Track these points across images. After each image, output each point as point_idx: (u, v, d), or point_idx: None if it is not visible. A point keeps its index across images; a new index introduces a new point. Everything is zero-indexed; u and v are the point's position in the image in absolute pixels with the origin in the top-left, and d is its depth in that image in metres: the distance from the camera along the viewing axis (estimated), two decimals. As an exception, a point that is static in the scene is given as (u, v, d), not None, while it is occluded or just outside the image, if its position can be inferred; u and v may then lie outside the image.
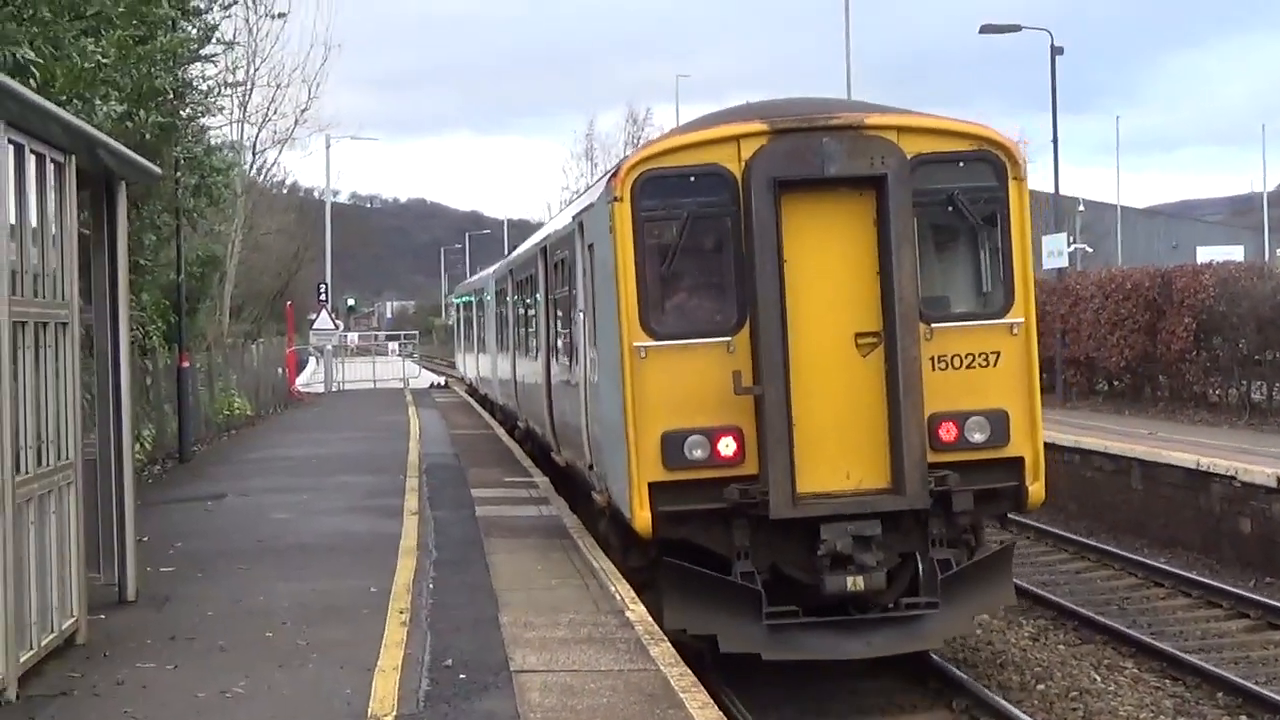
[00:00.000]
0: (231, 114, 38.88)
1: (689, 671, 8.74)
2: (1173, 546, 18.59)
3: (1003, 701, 11.37)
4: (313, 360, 58.33)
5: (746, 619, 11.00)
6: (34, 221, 9.01)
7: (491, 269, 32.73)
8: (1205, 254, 40.20)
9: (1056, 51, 31.12)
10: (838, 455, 11.19)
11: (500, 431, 27.54)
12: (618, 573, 11.77)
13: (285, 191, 61.11)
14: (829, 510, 11.03)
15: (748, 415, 11.13)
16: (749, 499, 11.04)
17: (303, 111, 46.15)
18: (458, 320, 48.88)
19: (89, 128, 9.91)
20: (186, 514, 16.82)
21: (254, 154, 45.37)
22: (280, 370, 43.04)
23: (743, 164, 11.27)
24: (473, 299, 38.34)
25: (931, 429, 11.17)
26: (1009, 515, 12.63)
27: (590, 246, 13.24)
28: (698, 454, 11.14)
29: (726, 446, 11.13)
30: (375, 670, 8.74)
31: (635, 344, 11.30)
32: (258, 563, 13.03)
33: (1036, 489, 11.54)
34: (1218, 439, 21.05)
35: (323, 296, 51.45)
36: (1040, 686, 12.25)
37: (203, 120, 24.92)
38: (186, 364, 24.31)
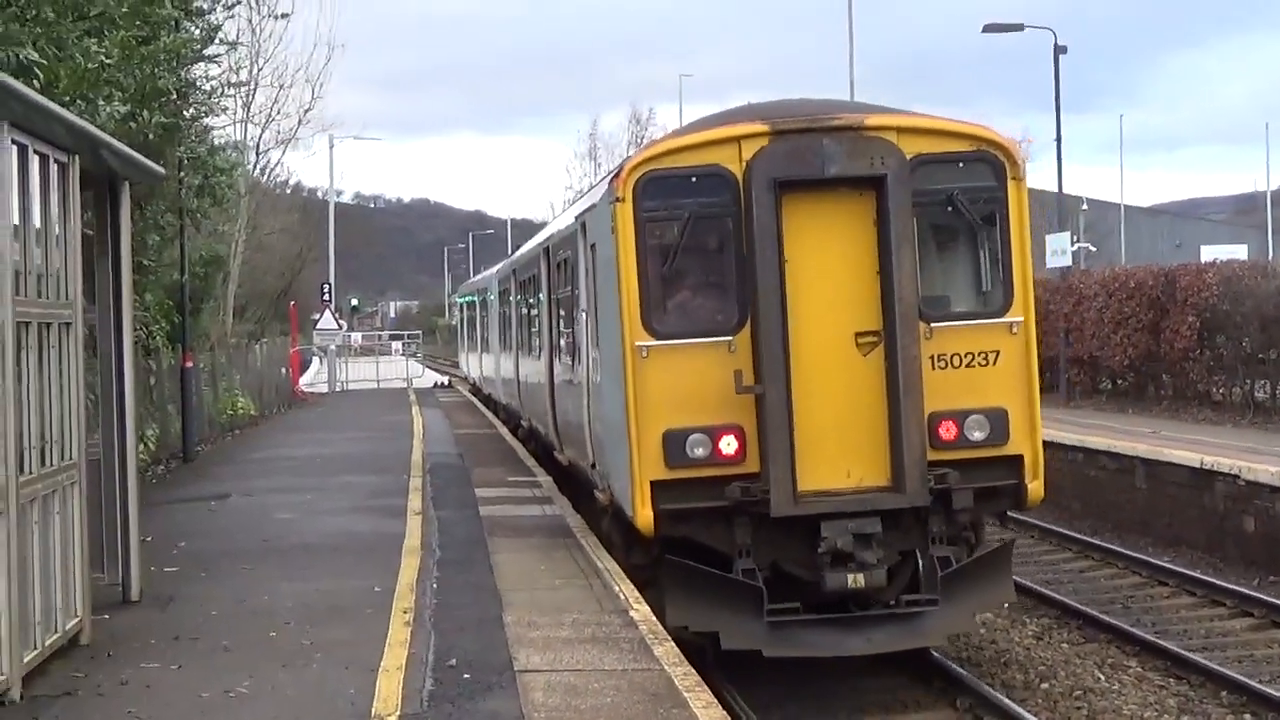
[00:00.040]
0: (235, 114, 38.96)
1: (693, 671, 8.73)
2: (1177, 545, 18.57)
3: (1006, 700, 11.36)
4: (316, 360, 58.32)
5: (748, 616, 11.06)
6: (37, 222, 9.02)
7: (495, 269, 32.74)
8: (1209, 253, 40.16)
9: (1060, 51, 31.12)
10: (838, 453, 11.26)
11: (504, 431, 27.55)
12: (621, 572, 11.77)
13: (289, 191, 61.16)
14: (830, 508, 11.09)
15: (749, 414, 11.19)
16: (750, 497, 11.10)
17: (306, 111, 46.22)
18: (461, 320, 48.89)
19: (92, 128, 9.92)
20: (190, 514, 16.83)
21: (257, 154, 45.45)
22: (284, 370, 43.06)
23: (744, 165, 11.33)
24: (476, 299, 38.35)
25: (931, 427, 11.23)
26: (1009, 513, 12.64)
27: (592, 246, 13.29)
28: (699, 452, 11.21)
29: (728, 445, 11.20)
30: (379, 670, 8.74)
31: (637, 343, 11.37)
32: (261, 563, 13.03)
33: (1036, 487, 11.59)
34: (1221, 438, 21.03)
35: (326, 296, 51.45)
36: (1044, 685, 12.24)
37: (206, 120, 24.97)
38: (190, 364, 24.33)
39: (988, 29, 31.43)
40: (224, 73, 28.67)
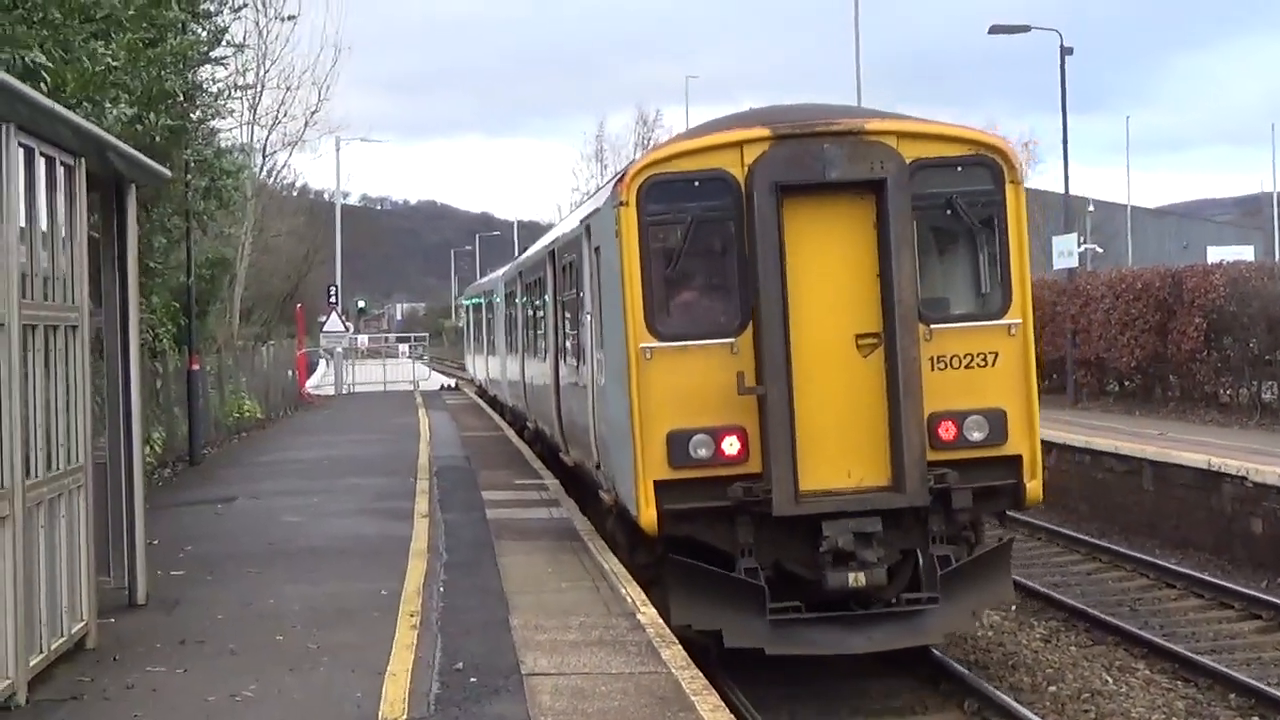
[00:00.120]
0: (241, 116, 39.00)
1: (700, 674, 8.71)
2: (1184, 547, 18.52)
3: (1014, 703, 11.34)
4: (323, 362, 58.34)
5: (750, 614, 11.16)
6: (44, 225, 9.02)
7: (501, 271, 32.75)
8: (1215, 254, 40.08)
9: (1066, 52, 31.04)
10: (839, 454, 11.37)
11: (510, 433, 27.54)
12: (628, 575, 11.78)
13: (295, 194, 61.13)
14: (831, 508, 11.21)
15: (751, 415, 11.31)
16: (752, 497, 11.22)
17: (313, 114, 46.20)
18: (467, 322, 48.91)
19: (99, 131, 9.91)
20: (196, 517, 16.83)
21: (264, 156, 45.43)
22: (290, 373, 43.08)
23: (746, 169, 11.48)
24: (482, 301, 38.36)
25: (931, 428, 11.35)
26: (1007, 512, 12.73)
27: (597, 250, 13.40)
28: (702, 453, 11.33)
29: (730, 445, 11.33)
30: (386, 674, 8.72)
31: (641, 345, 11.51)
32: (268, 566, 13.02)
33: (1034, 486, 11.69)
34: (1229, 439, 20.99)
35: (333, 299, 51.53)
36: (1052, 688, 12.21)
37: (213, 123, 24.98)
38: (196, 367, 24.33)
39: (994, 30, 31.39)
40: (230, 75, 28.71)
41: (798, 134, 11.52)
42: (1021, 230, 11.79)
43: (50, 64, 13.08)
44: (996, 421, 11.49)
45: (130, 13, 15.81)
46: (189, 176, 21.96)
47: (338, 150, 58.70)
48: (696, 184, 11.62)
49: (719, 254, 11.91)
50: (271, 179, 49.54)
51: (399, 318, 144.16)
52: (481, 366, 39.68)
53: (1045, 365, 31.60)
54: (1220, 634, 14.42)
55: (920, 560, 11.60)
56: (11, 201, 8.23)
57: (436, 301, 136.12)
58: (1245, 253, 43.15)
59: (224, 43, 22.91)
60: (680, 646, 9.38)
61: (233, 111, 29.74)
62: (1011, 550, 12.81)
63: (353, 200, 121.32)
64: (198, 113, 22.23)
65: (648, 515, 11.35)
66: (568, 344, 16.63)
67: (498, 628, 9.95)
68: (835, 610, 11.38)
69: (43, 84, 12.68)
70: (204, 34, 21.20)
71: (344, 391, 48.45)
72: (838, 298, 11.45)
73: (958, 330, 11.63)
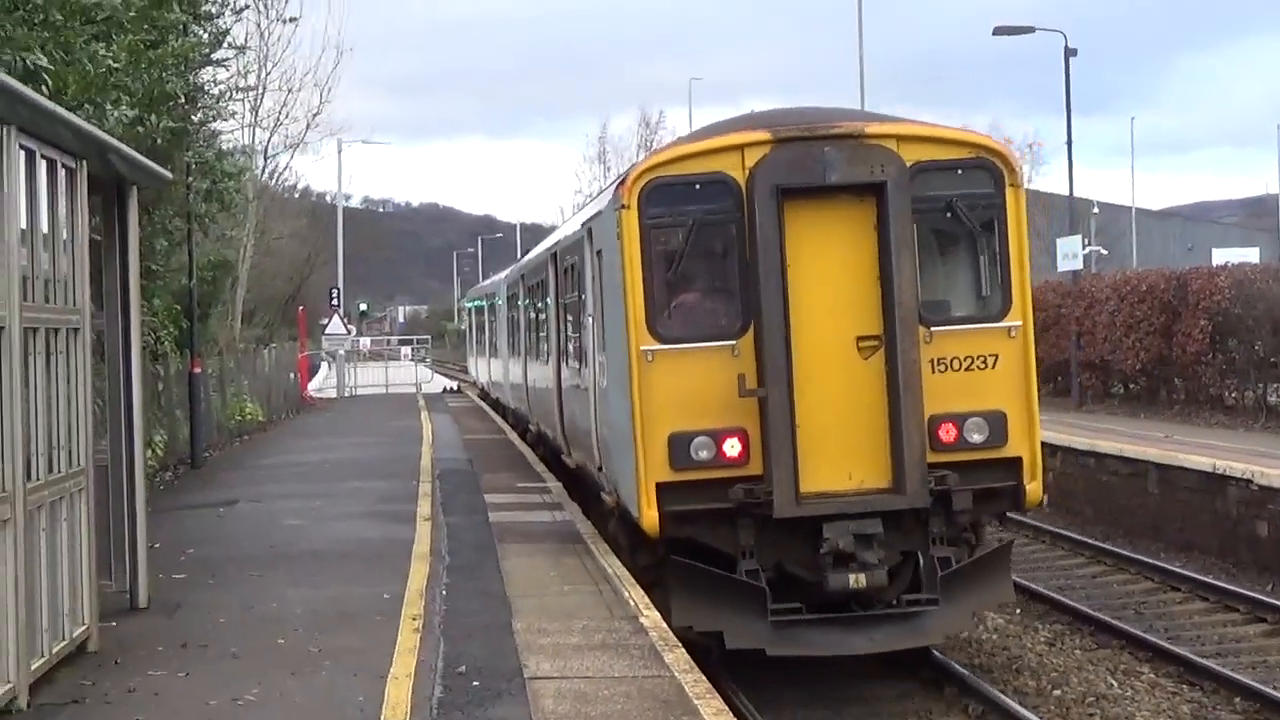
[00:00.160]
0: (243, 118, 39.07)
1: (704, 678, 8.71)
2: (1189, 550, 18.51)
3: (1018, 706, 11.34)
4: (325, 365, 58.36)
5: (752, 616, 11.23)
6: (45, 227, 9.02)
7: (503, 273, 32.77)
8: (1221, 256, 40.05)
9: (1070, 53, 31.04)
10: (840, 456, 11.44)
11: (513, 436, 27.54)
12: (632, 579, 11.79)
13: (297, 196, 61.24)
14: (831, 509, 11.28)
15: (752, 417, 11.39)
16: (753, 499, 11.30)
17: (314, 116, 46.24)
18: (469, 325, 48.93)
19: (100, 133, 9.92)
20: (198, 520, 16.83)
21: (265, 158, 45.49)
22: (292, 375, 43.10)
23: (747, 172, 11.56)
24: (484, 303, 38.38)
25: (931, 430, 11.43)
26: (1008, 514, 12.79)
27: (599, 252, 13.48)
28: (703, 455, 11.41)
29: (731, 447, 11.40)
30: (388, 677, 8.71)
31: (642, 348, 11.59)
32: (270, 569, 13.02)
33: (1034, 488, 11.77)
34: (1234, 442, 20.97)
35: (335, 301, 51.56)
36: (1056, 692, 12.21)
37: (214, 125, 25.03)
38: (198, 369, 24.34)
39: (998, 31, 31.39)
40: (232, 77, 28.76)
41: (798, 137, 11.61)
42: (1022, 233, 11.88)
43: (51, 66, 13.09)
44: (997, 423, 11.56)
45: (131, 14, 15.83)
46: (190, 179, 21.98)
47: (339, 152, 58.77)
48: (697, 187, 11.71)
49: (720, 257, 12.00)
50: (273, 181, 49.62)
51: (401, 320, 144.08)
52: (484, 369, 39.69)
53: (1050, 368, 31.63)
54: (1225, 637, 14.40)
55: (921, 562, 11.67)
56: (13, 204, 8.23)
57: (439, 304, 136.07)
58: (1250, 254, 43.10)
59: (225, 45, 22.98)
60: (684, 650, 9.38)
61: (234, 114, 29.81)
62: (1011, 552, 12.88)
63: (355, 202, 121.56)
64: (199, 115, 22.27)
65: (649, 517, 11.43)
66: (570, 346, 16.68)
67: (500, 631, 9.94)
68: (836, 612, 11.45)
69: (44, 86, 12.69)
70: (205, 36, 21.23)
71: (346, 394, 48.46)
72: (838, 300, 11.53)
73: (958, 332, 11.71)
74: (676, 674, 8.71)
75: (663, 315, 11.74)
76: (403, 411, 37.14)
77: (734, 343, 11.52)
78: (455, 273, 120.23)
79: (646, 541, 11.87)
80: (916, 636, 11.57)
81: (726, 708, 8.15)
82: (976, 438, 11.52)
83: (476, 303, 43.21)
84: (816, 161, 11.45)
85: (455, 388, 52.87)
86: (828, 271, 11.53)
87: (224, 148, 28.24)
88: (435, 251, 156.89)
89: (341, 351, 49.39)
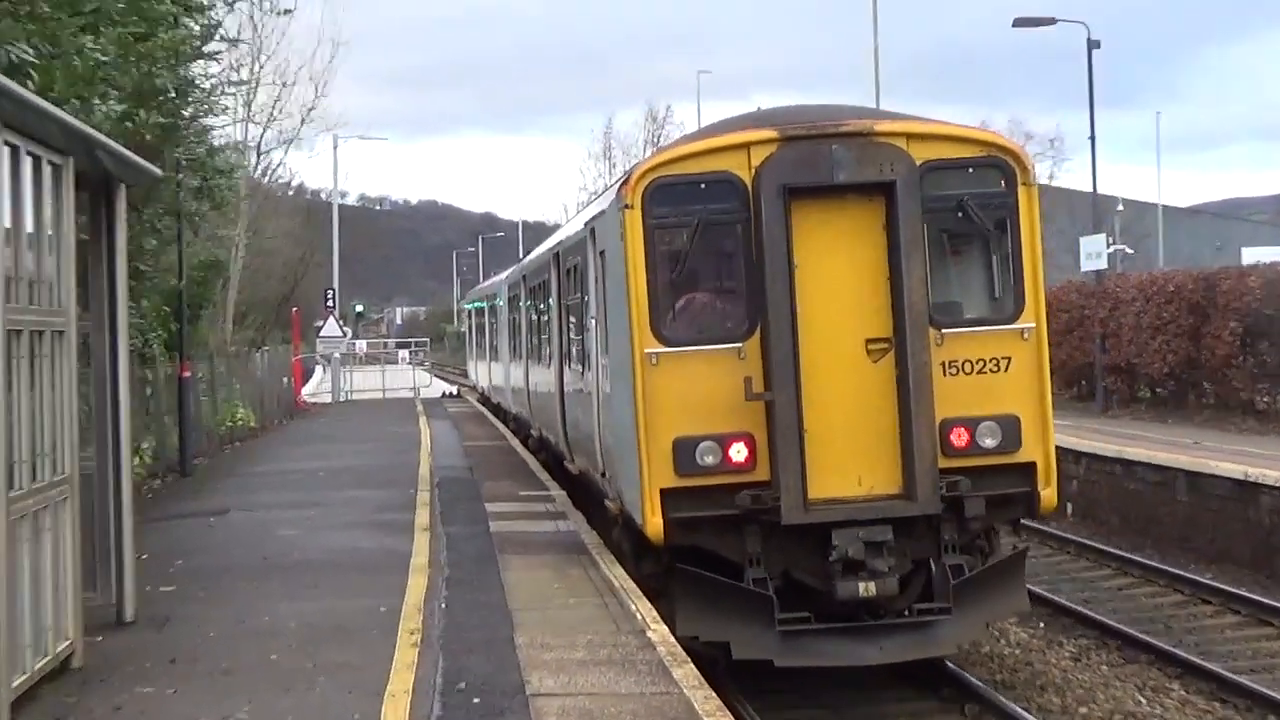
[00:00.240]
0: (235, 114, 39.10)
1: (713, 695, 8.68)
2: (1220, 561, 18.46)
3: (1040, 724, 11.29)
4: (319, 369, 58.44)
5: (759, 625, 11.30)
6: (30, 226, 9.01)
7: (504, 274, 32.78)
8: (1251, 255, 39.98)
9: (1093, 45, 31.01)
10: (849, 461, 11.53)
11: (515, 442, 27.55)
12: (639, 590, 11.79)
13: (291, 193, 61.34)
14: (840, 516, 11.35)
15: (759, 421, 11.47)
16: (761, 505, 11.39)
17: (309, 110, 46.40)
18: (469, 327, 48.95)
19: (87, 128, 9.92)
20: (188, 530, 16.83)
21: (258, 155, 45.62)
22: (286, 379, 43.13)
23: (753, 171, 11.66)
24: (485, 305, 38.40)
25: (943, 434, 11.51)
26: (1022, 520, 12.86)
27: (602, 253, 13.58)
28: (709, 460, 11.50)
29: (738, 452, 11.49)
30: (385, 694, 8.69)
31: (647, 350, 11.67)
32: (262, 581, 13.02)
33: (1048, 494, 11.83)
34: (1267, 448, 20.92)
35: (330, 302, 51.52)
36: (1083, 710, 12.18)
37: (205, 120, 24.98)
38: (188, 373, 24.35)
39: (1018, 23, 31.37)
40: (224, 70, 28.76)
41: (806, 135, 11.70)
42: (1035, 233, 11.96)
43: (37, 59, 13.10)
44: (1010, 428, 11.63)
45: (120, 6, 15.85)
46: (180, 176, 21.96)
47: (335, 148, 58.81)
48: (703, 186, 11.80)
49: (726, 258, 12.11)
50: (266, 178, 49.74)
51: (399, 322, 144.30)
52: (484, 373, 39.70)
53: (1073, 371, 31.61)
54: (1259, 652, 14.35)
55: (932, 570, 11.72)
56: (-5, 201, 8.22)
57: (438, 305, 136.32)
58: (1282, 253, 42.99)
59: (217, 37, 22.95)
60: (693, 665, 9.36)
61: (226, 109, 29.75)
62: (1026, 559, 12.91)
63: (351, 200, 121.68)
64: (190, 110, 22.24)
65: (654, 524, 11.50)
66: (572, 349, 16.75)
67: (502, 646, 9.92)
68: (846, 621, 11.50)
69: (29, 80, 12.69)
70: (197, 28, 21.21)
71: (341, 399, 48.50)
72: (847, 302, 11.62)
73: (970, 335, 11.79)
74: (685, 690, 8.69)
75: (667, 317, 11.83)
76: (400, 417, 37.16)
77: (740, 345, 11.61)
78: (455, 273, 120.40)
79: (651, 549, 11.95)
80: (929, 647, 11.63)
81: (737, 726, 8.12)
82: (989, 442, 11.60)
83: (477, 304, 43.24)
84: (824, 160, 11.54)
85: (455, 392, 52.91)
86: (836, 272, 11.62)
87: (215, 144, 28.25)
88: (434, 251, 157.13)
89: (337, 355, 49.44)
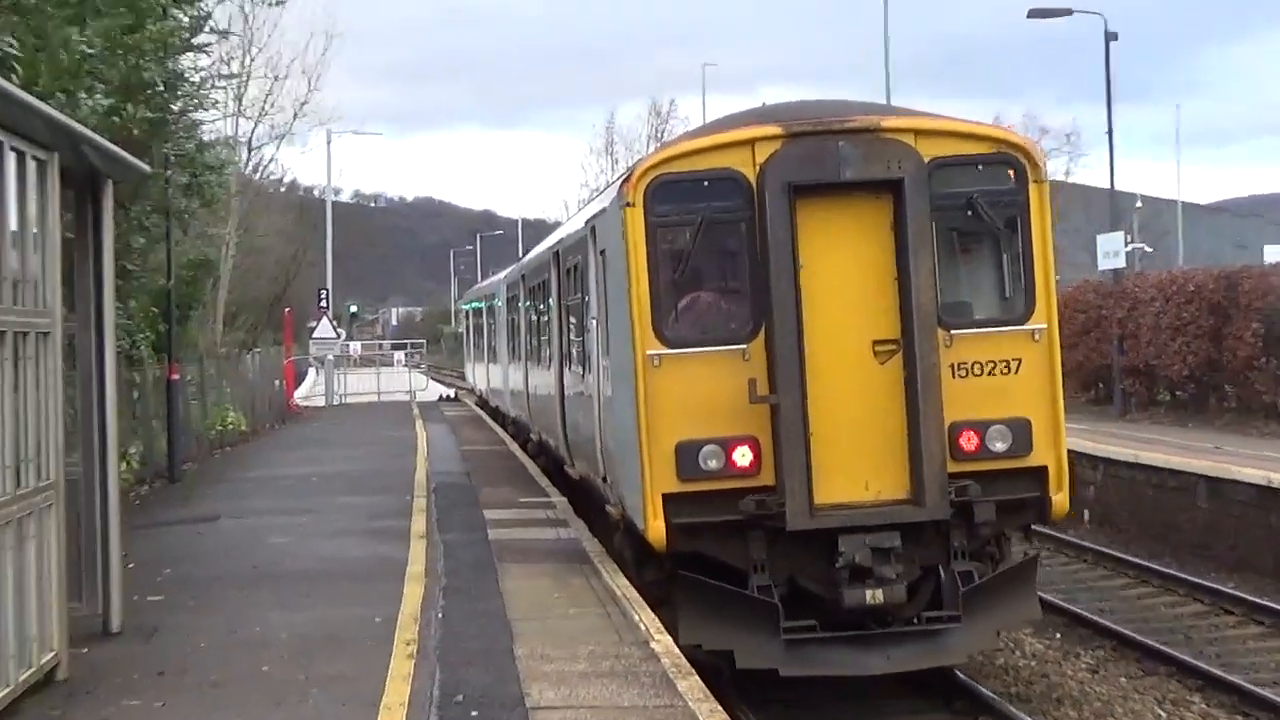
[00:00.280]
0: (226, 108, 39.14)
1: (719, 708, 8.67)
2: (1242, 570, 18.44)
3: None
4: (312, 371, 58.44)
5: (763, 634, 11.32)
6: (14, 223, 9.01)
7: (503, 273, 32.80)
8: (1274, 253, 39.98)
9: (1111, 37, 31.01)
10: (856, 465, 11.55)
11: (514, 447, 27.56)
12: (642, 601, 11.78)
13: (283, 190, 61.35)
14: (847, 521, 11.38)
15: (763, 425, 11.51)
16: (765, 510, 11.41)
17: (302, 105, 46.44)
18: (467, 328, 48.97)
19: (73, 123, 9.91)
20: (176, 538, 16.83)
21: (250, 150, 45.62)
22: (278, 382, 43.15)
23: (757, 168, 11.70)
24: (483, 305, 38.40)
25: (952, 438, 11.55)
26: (1033, 526, 12.86)
27: (603, 252, 13.62)
28: (712, 464, 11.53)
29: (742, 456, 11.51)
30: (380, 707, 8.69)
31: (648, 352, 11.70)
32: (254, 590, 13.02)
33: (1060, 499, 11.85)
34: (1290, 454, 20.88)
35: (323, 303, 51.53)
36: (1100, 723, 12.14)
37: (195, 114, 25.00)
38: (176, 376, 24.35)
39: (1032, 14, 31.35)
40: (214, 63, 28.83)
41: (811, 132, 11.73)
42: (1046, 231, 11.98)
43: (22, 52, 13.11)
44: (1020, 431, 11.65)
45: (106, -3, 15.85)
46: (169, 172, 21.98)
47: (329, 143, 58.87)
48: (706, 184, 11.85)
49: (729, 257, 12.14)
50: (258, 174, 49.74)
51: (394, 323, 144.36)
52: (482, 375, 39.71)
53: (1090, 373, 31.58)
54: (1282, 664, 14.33)
55: (941, 577, 11.74)
56: (-22, 198, 8.22)
57: (435, 306, 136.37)
58: (1306, 252, 42.97)
59: (207, 29, 22.95)
60: (698, 677, 9.35)
61: (216, 103, 29.76)
62: (1038, 566, 12.94)
63: (345, 197, 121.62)
64: (179, 104, 22.26)
65: (656, 529, 11.53)
66: (573, 351, 16.78)
67: (501, 657, 9.92)
68: (852, 629, 11.51)
69: (13, 74, 12.70)
70: (186, 19, 21.21)
71: (335, 402, 48.50)
72: (853, 302, 11.65)
73: (979, 336, 11.81)
74: (690, 704, 8.68)
75: (669, 318, 11.86)
76: (396, 421, 37.17)
77: (744, 347, 11.64)
78: (452, 272, 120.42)
79: (653, 556, 11.99)
80: (937, 656, 11.65)
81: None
82: (999, 446, 11.63)
83: (474, 304, 43.25)
84: (830, 157, 11.58)
85: (452, 395, 52.91)
86: (842, 272, 11.65)
87: (205, 139, 28.26)
88: (431, 249, 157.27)
89: (330, 357, 49.41)
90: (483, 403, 41.91)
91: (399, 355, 68.40)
